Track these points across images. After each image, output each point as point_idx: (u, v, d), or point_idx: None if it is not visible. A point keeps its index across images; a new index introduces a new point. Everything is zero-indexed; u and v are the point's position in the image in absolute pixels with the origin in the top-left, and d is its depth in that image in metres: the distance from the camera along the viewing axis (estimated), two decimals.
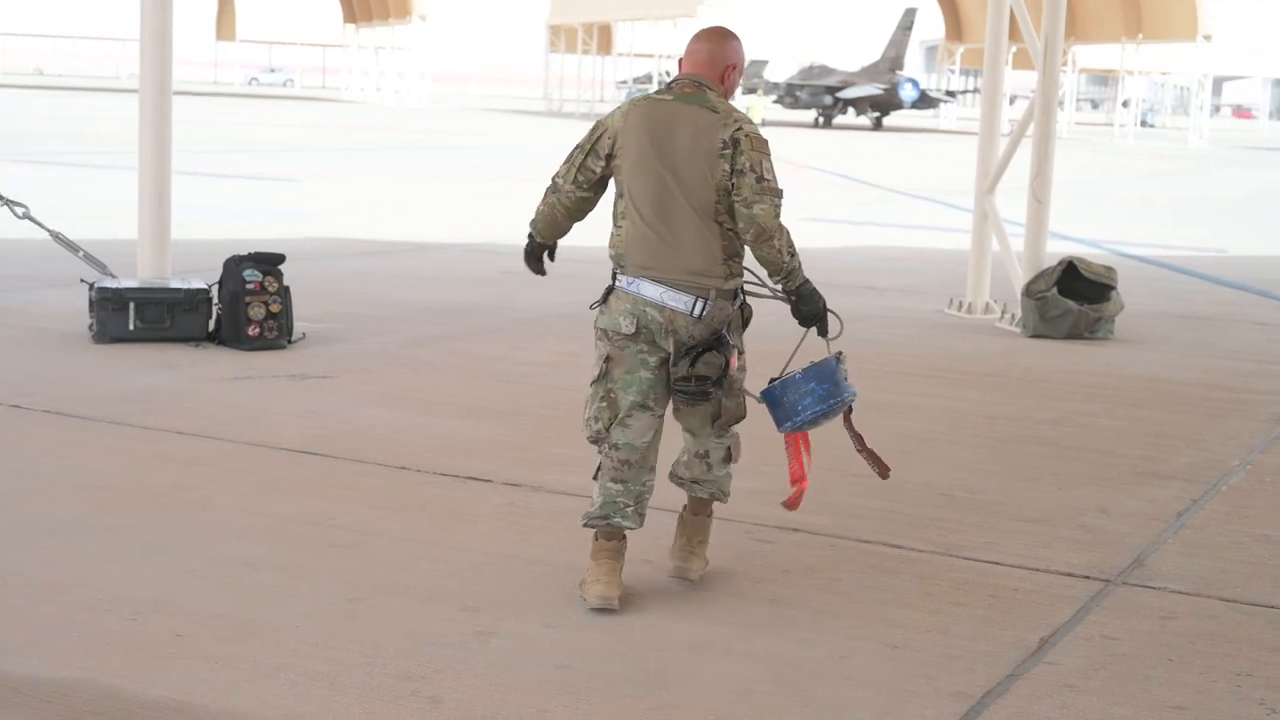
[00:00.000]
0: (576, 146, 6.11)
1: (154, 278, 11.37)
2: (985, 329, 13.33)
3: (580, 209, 6.18)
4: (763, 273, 6.07)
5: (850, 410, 6.17)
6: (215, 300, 11.05)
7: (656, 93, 6.03)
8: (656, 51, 76.32)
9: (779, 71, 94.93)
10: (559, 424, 8.94)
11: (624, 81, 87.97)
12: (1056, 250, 14.18)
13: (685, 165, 5.83)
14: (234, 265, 10.99)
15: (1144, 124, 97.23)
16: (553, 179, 6.16)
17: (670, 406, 6.16)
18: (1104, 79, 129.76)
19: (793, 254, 5.91)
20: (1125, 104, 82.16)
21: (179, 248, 12.01)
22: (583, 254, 10.66)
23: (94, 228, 15.43)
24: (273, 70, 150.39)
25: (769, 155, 5.90)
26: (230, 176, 27.15)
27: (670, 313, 5.85)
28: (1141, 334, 13.23)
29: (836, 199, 28.26)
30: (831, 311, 6.11)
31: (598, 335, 6.01)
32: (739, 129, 5.82)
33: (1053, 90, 13.57)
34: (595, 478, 6.05)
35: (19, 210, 11.89)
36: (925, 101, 79.79)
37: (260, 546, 6.42)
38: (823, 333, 6.07)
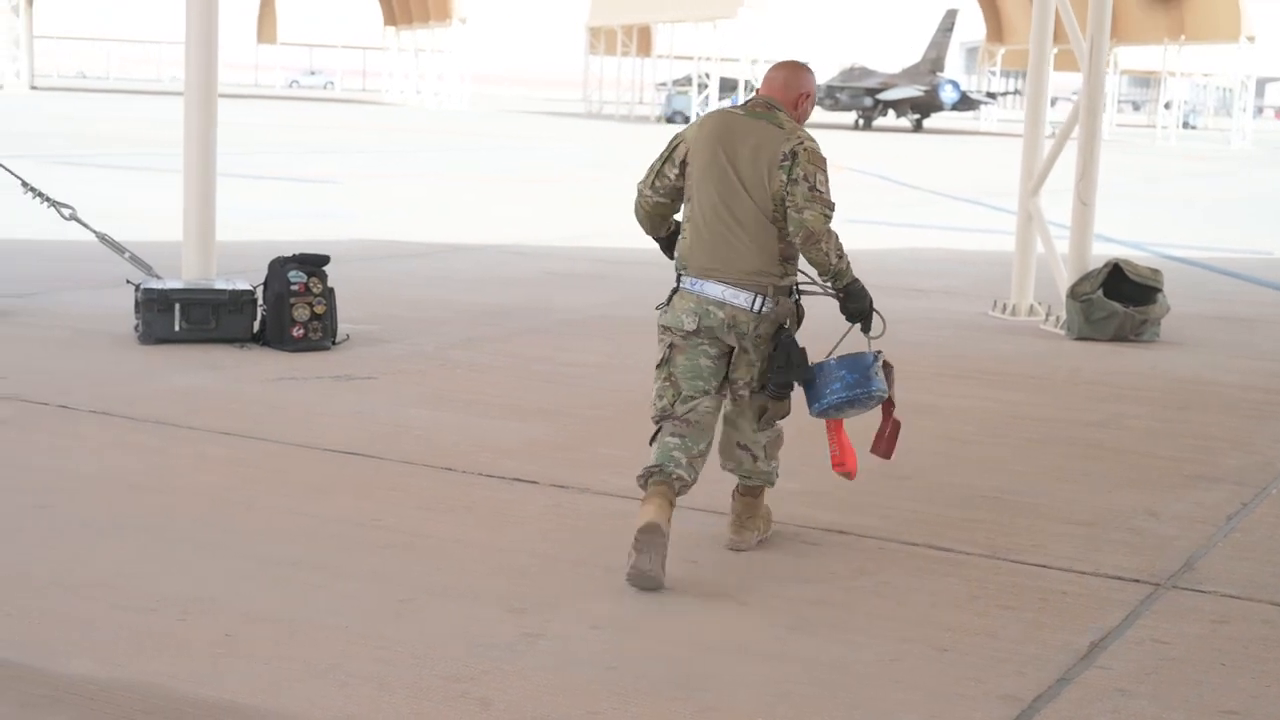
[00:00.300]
0: (658, 155, 6.59)
1: (199, 279, 11.40)
2: (1030, 331, 13.27)
3: (659, 213, 6.65)
4: (814, 273, 6.48)
5: (891, 415, 6.68)
6: (260, 301, 11.07)
7: (731, 107, 6.60)
8: (696, 54, 76.20)
9: (819, 73, 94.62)
10: (605, 425, 8.94)
11: (663, 84, 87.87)
12: (1100, 252, 14.10)
13: (748, 174, 6.29)
14: (279, 266, 11.01)
15: (1186, 126, 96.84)
16: (637, 185, 6.62)
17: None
18: (1145, 80, 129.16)
19: (840, 256, 6.34)
20: (1167, 106, 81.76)
21: (221, 249, 12.04)
22: (620, 255, 10.68)
23: (139, 229, 15.49)
24: (313, 73, 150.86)
25: (824, 170, 6.34)
26: (271, 178, 27.24)
27: (732, 310, 6.31)
28: (1187, 336, 13.15)
29: (878, 201, 28.19)
30: (876, 311, 6.55)
31: (661, 331, 6.53)
32: (800, 144, 6.31)
33: (1098, 92, 13.49)
34: (652, 442, 6.44)
35: (66, 212, 11.95)
36: (966, 103, 79.56)
37: (307, 547, 6.43)
38: (866, 330, 6.53)
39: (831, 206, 6.31)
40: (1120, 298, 12.89)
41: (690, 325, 6.39)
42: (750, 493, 6.71)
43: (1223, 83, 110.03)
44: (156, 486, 7.29)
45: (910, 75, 79.30)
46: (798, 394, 6.54)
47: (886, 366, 6.54)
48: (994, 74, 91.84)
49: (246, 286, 11.11)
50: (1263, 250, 21.88)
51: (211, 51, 11.57)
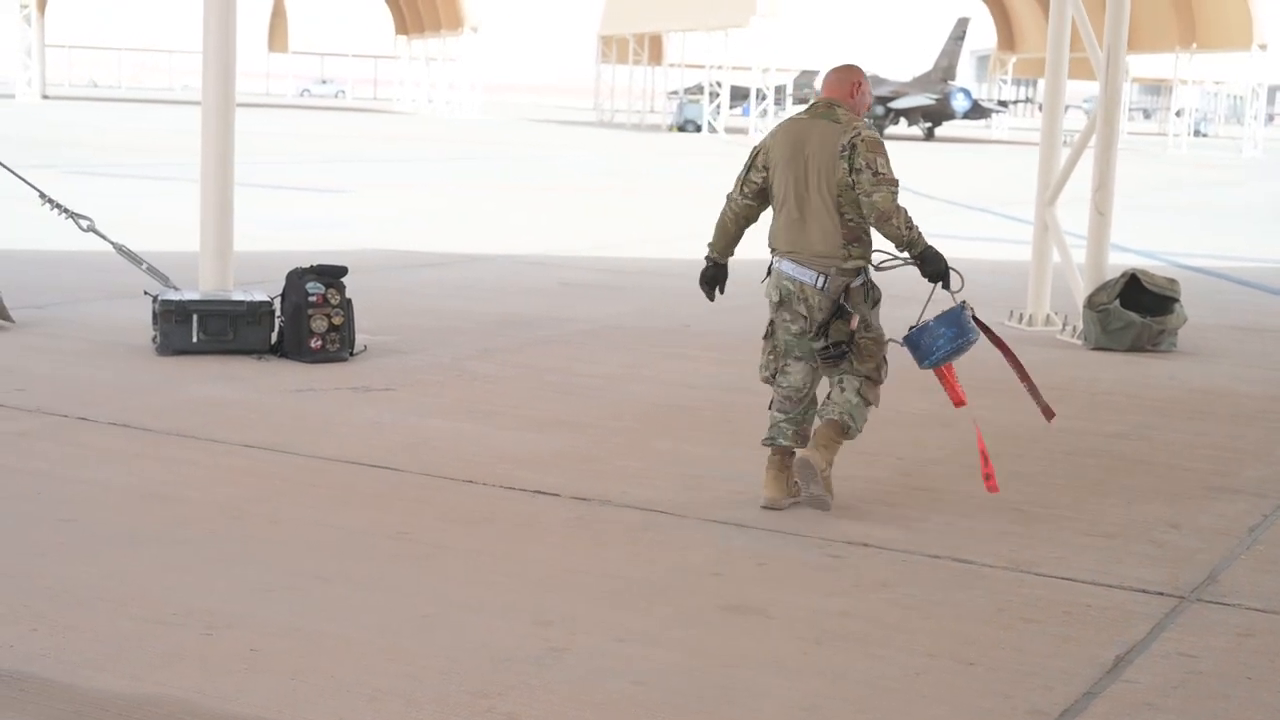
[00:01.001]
0: (743, 166, 7.63)
1: (216, 290, 11.42)
2: (1046, 341, 13.25)
3: (747, 215, 7.68)
4: (891, 247, 7.44)
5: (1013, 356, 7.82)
6: (278, 313, 11.08)
7: (799, 113, 7.53)
8: (708, 62, 76.19)
9: None
10: (624, 436, 8.94)
11: (674, 92, 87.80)
12: (1115, 261, 14.09)
13: (814, 168, 7.28)
14: (296, 278, 11.02)
15: (1197, 133, 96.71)
16: (727, 195, 7.65)
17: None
18: (1156, 88, 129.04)
19: (910, 227, 7.25)
20: (1179, 114, 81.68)
21: (238, 259, 12.05)
22: (637, 266, 10.68)
23: (156, 240, 15.50)
24: (324, 82, 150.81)
25: (883, 153, 7.25)
26: (287, 188, 27.27)
27: (801, 284, 7.37)
28: (1204, 346, 13.13)
29: None
30: (954, 269, 7.40)
31: (768, 301, 7.58)
32: (856, 134, 7.25)
33: (1116, 101, 13.47)
34: (769, 408, 7.61)
35: (83, 223, 11.96)
36: (977, 111, 79.48)
37: (331, 560, 6.43)
38: (946, 286, 7.41)
39: (896, 184, 7.22)
40: (1137, 308, 12.88)
41: (775, 297, 7.49)
42: (833, 426, 7.49)
43: (1234, 90, 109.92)
44: (178, 499, 7.29)
45: (922, 83, 79.24)
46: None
47: (976, 320, 7.50)
48: (1005, 82, 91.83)
49: (264, 298, 11.13)
50: (1277, 260, 21.84)
51: (229, 62, 11.60)
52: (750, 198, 7.58)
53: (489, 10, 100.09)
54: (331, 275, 11.08)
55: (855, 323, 7.39)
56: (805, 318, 7.39)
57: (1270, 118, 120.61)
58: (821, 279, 7.31)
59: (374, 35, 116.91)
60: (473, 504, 7.42)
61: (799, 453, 7.38)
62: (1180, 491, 8.24)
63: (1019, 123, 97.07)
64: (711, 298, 7.91)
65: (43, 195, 12.08)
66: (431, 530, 6.94)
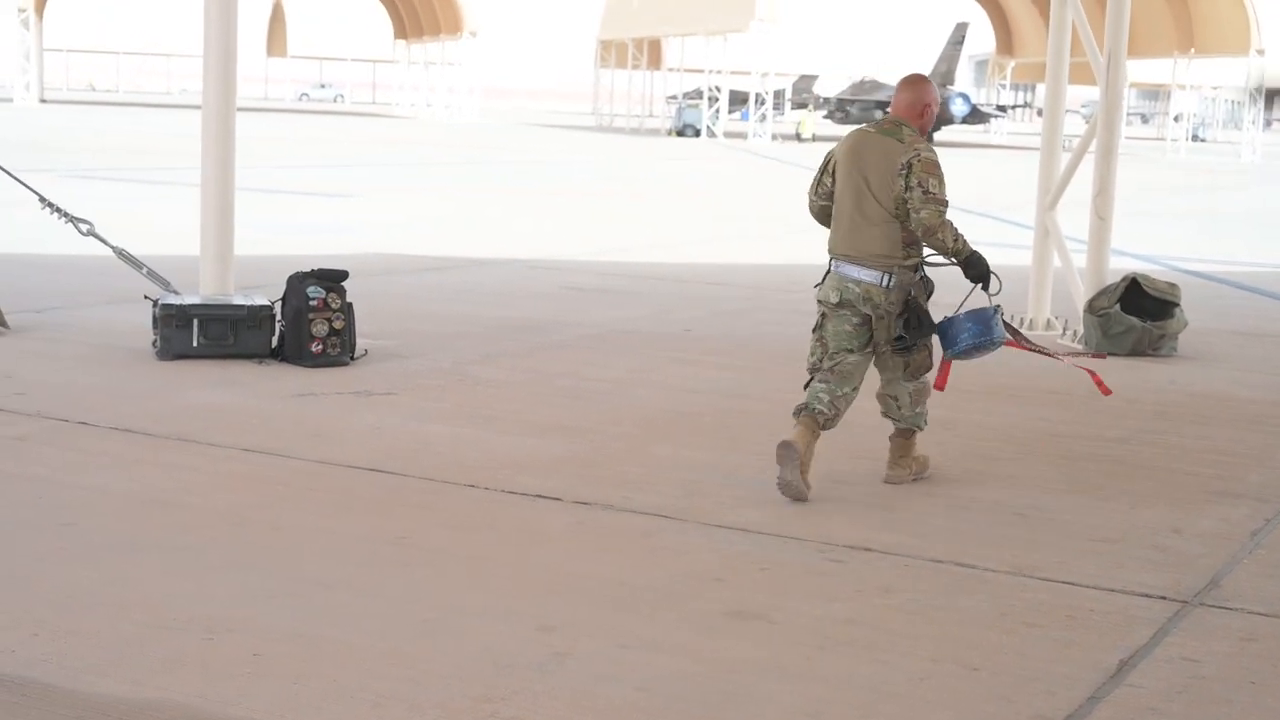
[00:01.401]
0: (818, 169, 8.24)
1: (217, 294, 11.41)
2: (1047, 345, 13.21)
3: (825, 213, 8.24)
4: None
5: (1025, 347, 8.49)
6: (278, 317, 11.07)
7: (866, 126, 8.19)
8: (707, 67, 76.22)
9: (830, 86, 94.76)
10: (626, 442, 8.93)
11: (673, 97, 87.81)
12: (1114, 266, 14.08)
13: (875, 180, 7.89)
14: (297, 282, 11.01)
15: (1195, 138, 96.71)
16: (807, 193, 8.32)
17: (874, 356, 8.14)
18: (1154, 93, 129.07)
19: (956, 239, 7.89)
20: (1176, 118, 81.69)
21: (239, 264, 12.04)
22: (640, 271, 10.69)
23: (156, 244, 15.49)
24: (323, 86, 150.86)
25: (936, 174, 7.86)
26: (284, 192, 27.26)
27: (866, 285, 7.91)
28: (1204, 351, 13.12)
29: None
30: (994, 274, 8.04)
31: (818, 304, 8.12)
32: (915, 155, 7.85)
33: (1116, 106, 13.47)
34: (805, 387, 8.06)
35: (83, 227, 11.95)
36: (976, 116, 79.47)
37: (333, 565, 6.42)
38: (985, 288, 8.06)
39: (944, 204, 7.85)
40: (1138, 312, 12.87)
41: (834, 299, 8.00)
42: (902, 434, 8.25)
43: (1232, 95, 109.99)
44: (180, 504, 7.29)
45: None
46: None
47: (1010, 327, 8.25)
48: (1004, 87, 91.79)
49: (265, 302, 11.12)
50: (1277, 264, 21.86)
51: (230, 66, 11.59)
52: (824, 199, 8.21)
53: (488, 14, 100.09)
54: (332, 279, 11.06)
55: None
56: (870, 316, 7.95)
57: (1268, 123, 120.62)
58: (887, 278, 7.90)
59: (373, 39, 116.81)
60: (474, 509, 7.41)
61: (887, 475, 8.24)
62: (1182, 496, 8.23)
63: (1018, 127, 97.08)
64: None
65: (42, 199, 12.08)
66: (433, 535, 6.93)
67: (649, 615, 5.95)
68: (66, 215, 11.96)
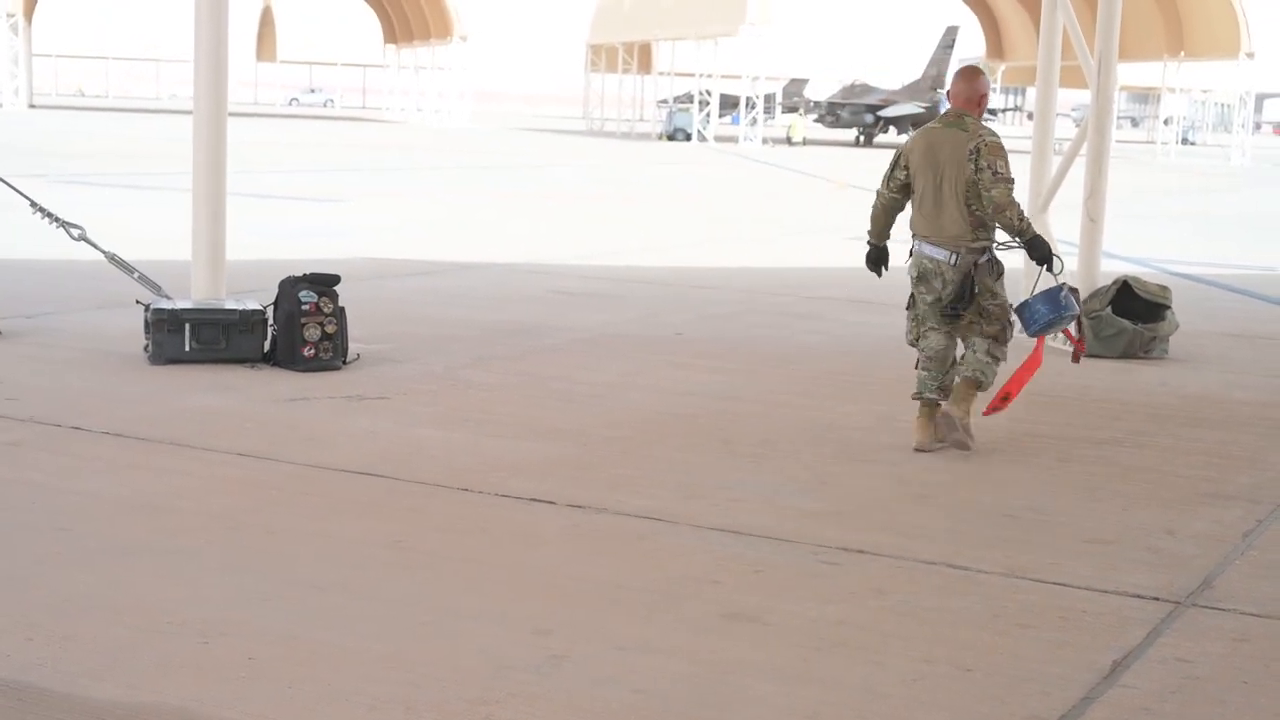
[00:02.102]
0: (889, 164, 9.22)
1: (209, 299, 11.40)
2: None
3: (893, 206, 9.27)
4: (1004, 237, 9.07)
5: (1079, 325, 10.13)
6: (270, 321, 11.07)
7: (933, 121, 9.19)
8: (697, 71, 76.26)
9: (820, 90, 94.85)
10: (619, 444, 8.94)
11: (664, 101, 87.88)
12: (1106, 269, 14.10)
13: (947, 168, 8.90)
14: (289, 286, 11.01)
15: (1185, 142, 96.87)
16: (877, 190, 9.31)
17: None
18: (1144, 96, 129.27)
19: (1021, 219, 8.82)
20: (1166, 122, 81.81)
21: (230, 268, 12.02)
22: (632, 274, 10.70)
23: (147, 248, 15.46)
24: (313, 91, 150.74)
25: (1003, 156, 8.84)
26: (275, 197, 27.25)
27: (938, 262, 8.98)
28: (1195, 353, 13.15)
29: None
30: (1056, 255, 9.03)
31: (910, 279, 9.18)
32: (981, 140, 8.85)
33: (1107, 109, 13.49)
34: (916, 368, 9.18)
35: (75, 232, 11.95)
36: None
37: (328, 569, 6.42)
38: (1050, 269, 8.97)
39: (1011, 182, 8.80)
40: (1129, 315, 12.89)
41: (915, 273, 9.11)
42: (968, 383, 9.06)
43: (1221, 99, 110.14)
44: (173, 508, 7.28)
45: (911, 92, 79.40)
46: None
47: (1073, 291, 9.20)
48: (994, 90, 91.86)
49: (257, 306, 11.11)
50: (1267, 266, 21.90)
51: (221, 71, 11.59)
52: (895, 191, 9.18)
53: (478, 19, 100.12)
54: (324, 283, 11.06)
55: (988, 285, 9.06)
56: (939, 289, 8.97)
57: (1257, 126, 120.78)
58: (954, 256, 8.91)
59: (362, 44, 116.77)
60: (468, 512, 7.42)
61: (942, 406, 9.01)
62: (1175, 497, 8.25)
63: (1008, 130, 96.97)
64: (879, 274, 9.45)
65: (34, 204, 12.07)
66: (427, 539, 6.94)
67: (644, 617, 5.96)
68: (58, 220, 11.96)
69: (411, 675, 5.26)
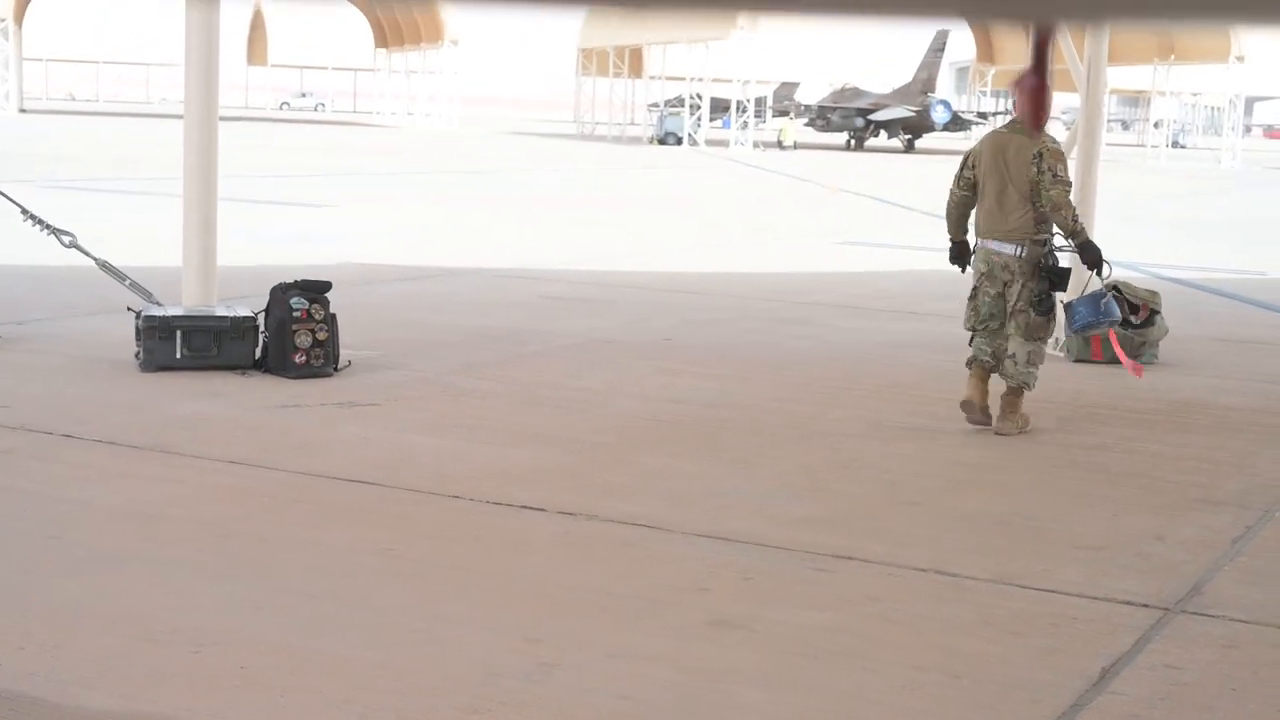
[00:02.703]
0: (959, 165, 10.00)
1: (200, 305, 11.41)
2: None
3: (964, 203, 9.97)
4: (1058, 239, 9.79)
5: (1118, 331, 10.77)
6: (261, 328, 11.07)
7: (999, 128, 10.03)
8: (688, 74, 76.28)
9: (810, 94, 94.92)
10: (609, 451, 8.95)
11: (655, 105, 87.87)
12: None
13: (1013, 170, 9.60)
14: (280, 293, 11.02)
15: (1175, 145, 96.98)
16: (949, 189, 10.01)
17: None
18: (1134, 100, 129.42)
19: (1075, 220, 9.61)
20: (1157, 125, 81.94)
21: (221, 274, 12.02)
22: (622, 280, 10.71)
23: (138, 255, 15.47)
24: (304, 95, 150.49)
25: (1063, 161, 9.68)
26: (266, 202, 27.22)
27: (1005, 256, 9.65)
28: (1185, 358, 13.17)
29: (871, 223, 28.23)
30: (1106, 261, 9.73)
31: (974, 273, 9.88)
32: (1044, 145, 9.61)
33: (1097, 114, 13.52)
34: (970, 344, 9.90)
35: (65, 239, 11.94)
36: (957, 123, 79.73)
37: (319, 577, 6.43)
38: (1099, 272, 9.72)
39: (1069, 185, 9.62)
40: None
41: (983, 269, 9.78)
42: (1013, 392, 9.77)
43: (1212, 102, 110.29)
44: (165, 516, 7.29)
45: (902, 96, 79.48)
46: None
47: (1118, 296, 10.11)
48: (985, 94, 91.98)
49: (248, 313, 11.12)
50: (1257, 271, 21.93)
51: (212, 76, 11.59)
52: (965, 189, 9.89)
53: (469, 23, 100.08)
54: (316, 290, 11.08)
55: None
56: (1007, 282, 9.64)
57: (1248, 129, 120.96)
58: (1020, 249, 9.61)
59: (353, 48, 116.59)
60: (459, 519, 7.43)
61: (996, 426, 9.71)
62: (1164, 503, 8.28)
63: None
64: (962, 270, 10.12)
65: (24, 210, 12.05)
66: (418, 546, 6.95)
67: (634, 625, 5.98)
68: (48, 227, 11.95)
69: (402, 683, 5.28)
